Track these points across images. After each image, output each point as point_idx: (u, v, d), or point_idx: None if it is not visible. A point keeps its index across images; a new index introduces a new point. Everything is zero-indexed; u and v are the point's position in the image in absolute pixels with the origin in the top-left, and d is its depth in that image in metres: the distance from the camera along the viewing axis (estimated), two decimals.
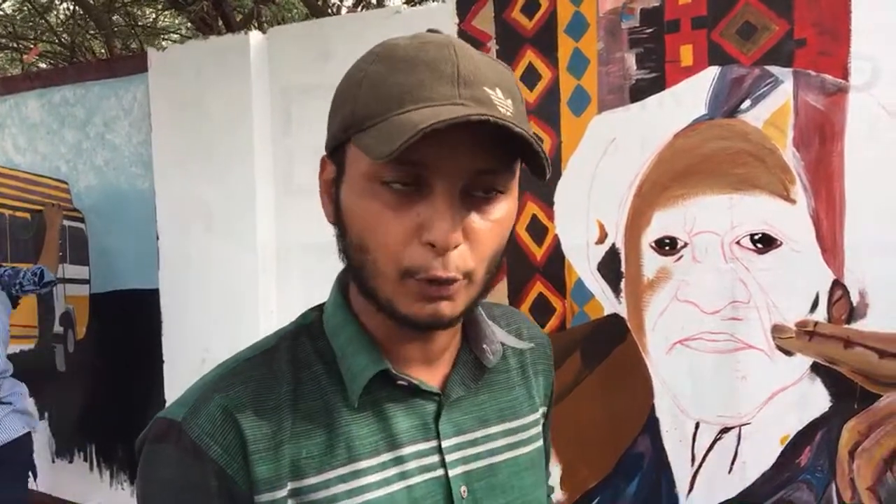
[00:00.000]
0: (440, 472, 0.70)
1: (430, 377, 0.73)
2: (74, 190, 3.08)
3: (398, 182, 0.61)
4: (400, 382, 0.70)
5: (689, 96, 1.65)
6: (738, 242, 1.63)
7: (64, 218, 3.13)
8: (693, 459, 1.74)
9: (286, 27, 2.38)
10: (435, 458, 0.70)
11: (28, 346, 3.38)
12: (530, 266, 1.89)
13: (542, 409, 0.84)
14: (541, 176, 0.64)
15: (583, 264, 1.83)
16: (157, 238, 2.64)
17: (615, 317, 1.80)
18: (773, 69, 1.56)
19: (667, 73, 1.67)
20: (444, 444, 0.71)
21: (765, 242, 1.60)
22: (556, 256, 1.86)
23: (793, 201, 1.57)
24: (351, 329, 0.70)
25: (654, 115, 1.70)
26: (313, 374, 0.70)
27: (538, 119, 1.84)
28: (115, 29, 3.98)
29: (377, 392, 0.69)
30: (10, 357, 3.36)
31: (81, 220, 3.11)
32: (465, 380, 0.74)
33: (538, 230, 1.87)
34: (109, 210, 2.98)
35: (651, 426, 1.78)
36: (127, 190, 2.89)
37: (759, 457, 1.66)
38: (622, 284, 1.79)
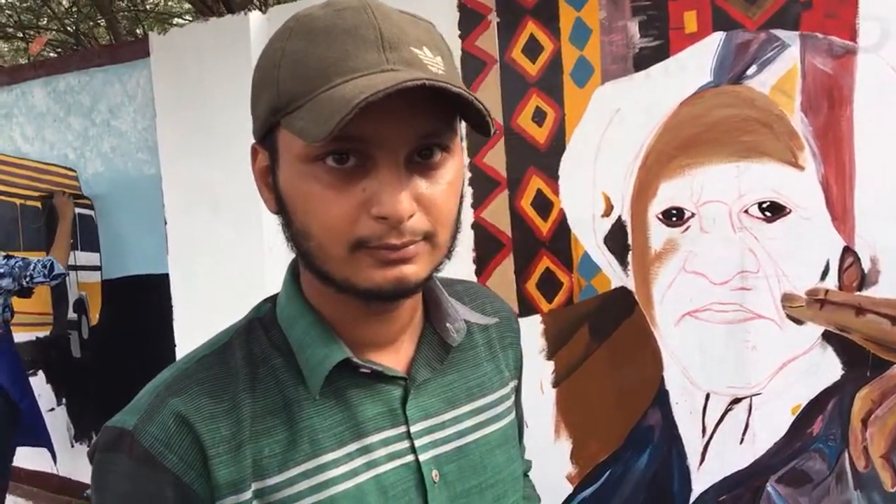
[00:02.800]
0: (410, 457, 0.68)
1: (394, 361, 0.70)
2: (83, 177, 3.10)
3: (338, 160, 0.59)
4: (363, 370, 0.67)
5: (694, 63, 1.62)
6: (746, 211, 1.60)
7: (74, 206, 3.15)
8: (704, 431, 1.73)
9: (286, 6, 2.37)
10: (404, 444, 0.68)
11: (43, 333, 3.42)
12: (536, 241, 1.88)
13: (512, 383, 0.82)
14: (485, 132, 0.61)
15: (589, 238, 1.81)
16: (165, 223, 2.65)
17: (623, 290, 1.79)
18: (779, 33, 1.52)
19: (671, 41, 1.64)
20: (413, 428, 0.69)
21: (773, 210, 1.58)
22: (562, 230, 1.84)
23: (801, 168, 1.54)
24: (307, 319, 0.68)
25: (658, 84, 1.67)
26: (271, 369, 0.67)
27: (541, 91, 1.82)
28: (120, 14, 3.97)
29: (339, 381, 0.67)
30: (29, 344, 3.40)
31: (91, 206, 3.12)
32: (430, 361, 0.72)
33: (543, 204, 1.86)
34: (118, 196, 2.99)
35: (661, 399, 1.77)
36: (134, 176, 2.89)
37: (771, 427, 1.64)
38: (629, 257, 1.77)
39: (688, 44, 1.62)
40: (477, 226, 1.95)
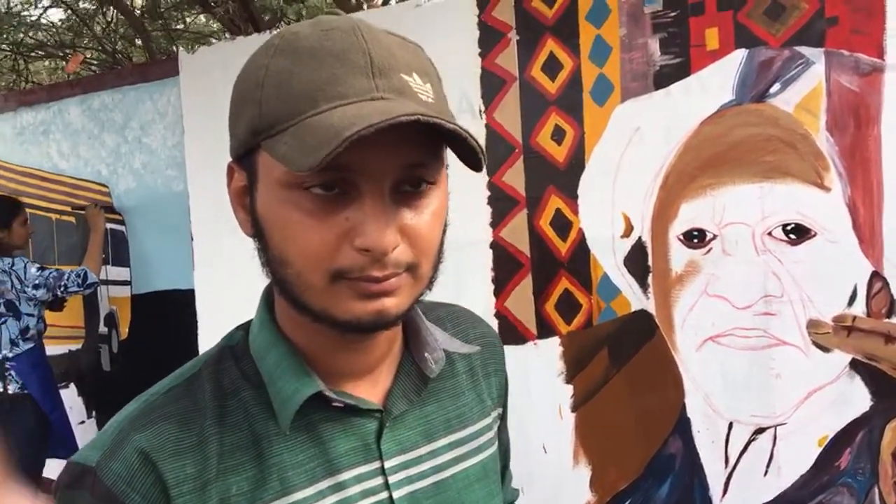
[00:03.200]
0: (384, 494, 0.65)
1: (371, 392, 0.68)
2: (115, 193, 3.15)
3: (321, 188, 0.56)
4: (336, 404, 0.64)
5: (716, 81, 1.58)
6: (769, 233, 1.55)
7: (106, 220, 3.20)
8: (727, 461, 1.66)
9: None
10: (378, 481, 0.66)
11: (76, 346, 3.47)
12: (555, 261, 1.84)
13: (495, 412, 0.79)
14: (475, 167, 0.58)
15: (609, 259, 1.77)
16: (192, 239, 2.67)
17: (643, 313, 1.74)
18: (804, 50, 1.48)
19: (692, 58, 1.61)
20: (387, 464, 0.66)
21: (798, 233, 1.52)
22: (582, 251, 1.80)
23: (827, 189, 1.48)
24: (279, 350, 0.65)
25: (679, 102, 1.63)
26: (240, 402, 0.64)
27: (560, 109, 1.79)
28: (156, 34, 4.07)
29: (311, 414, 0.64)
30: (61, 357, 3.46)
31: (122, 222, 3.17)
32: (407, 393, 0.69)
33: (562, 224, 1.82)
34: (147, 212, 3.04)
35: (682, 426, 1.71)
36: (163, 192, 2.94)
37: (797, 459, 1.57)
38: (650, 279, 1.72)
39: (709, 61, 1.58)
40: (495, 245, 1.93)
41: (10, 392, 2.90)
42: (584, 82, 1.75)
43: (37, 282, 2.84)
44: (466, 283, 1.98)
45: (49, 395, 2.99)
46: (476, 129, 1.90)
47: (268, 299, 0.69)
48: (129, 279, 3.21)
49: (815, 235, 1.50)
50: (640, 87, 1.68)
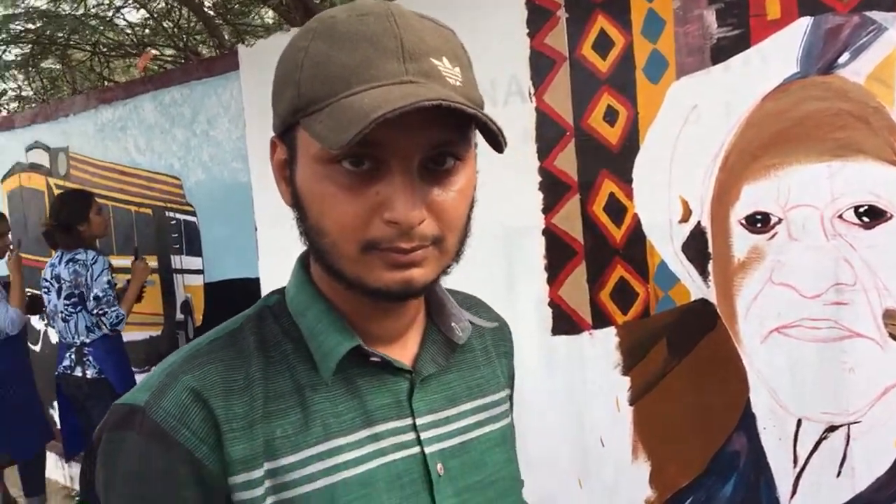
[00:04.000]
0: (416, 449, 0.69)
1: (400, 355, 0.71)
2: (186, 185, 3.24)
3: (353, 164, 0.60)
4: (373, 359, 0.68)
5: (779, 53, 1.46)
6: (840, 216, 1.43)
7: (178, 212, 3.31)
8: (795, 461, 1.56)
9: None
10: (411, 436, 0.69)
11: (155, 332, 3.62)
12: (609, 248, 1.76)
13: (506, 391, 0.82)
14: (496, 148, 0.61)
15: (666, 245, 1.68)
16: (255, 229, 2.72)
17: (703, 302, 1.64)
18: (875, 15, 1.34)
19: (752, 29, 1.49)
20: (419, 421, 0.70)
21: (872, 215, 1.39)
22: (637, 237, 1.72)
23: None
24: (318, 307, 0.69)
25: (739, 77, 1.52)
26: (282, 354, 0.68)
27: (612, 89, 1.70)
28: (225, 29, 4.17)
29: (349, 369, 0.68)
30: (142, 343, 3.62)
31: (194, 213, 3.27)
32: (435, 357, 0.73)
33: (616, 210, 1.74)
34: (216, 203, 3.11)
35: (747, 423, 1.61)
36: (230, 183, 3.00)
37: (872, 459, 1.45)
38: (710, 266, 1.62)
39: (771, 32, 1.46)
40: (548, 232, 1.86)
41: (88, 376, 3.05)
42: (636, 59, 1.66)
43: (97, 292, 2.97)
44: (518, 271, 1.92)
45: (125, 380, 3.13)
46: (526, 112, 1.83)
47: (304, 264, 0.73)
48: (201, 268, 3.31)
49: (890, 218, 1.37)
50: (696, 63, 1.57)
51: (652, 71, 1.64)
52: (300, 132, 0.62)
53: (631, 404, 1.79)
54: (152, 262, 3.51)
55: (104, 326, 2.98)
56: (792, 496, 1.57)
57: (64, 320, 3.06)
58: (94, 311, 2.97)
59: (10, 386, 3.35)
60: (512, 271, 1.94)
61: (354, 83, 0.58)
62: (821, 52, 1.41)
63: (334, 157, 0.59)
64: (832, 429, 1.50)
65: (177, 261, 3.42)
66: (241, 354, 0.67)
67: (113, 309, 3.00)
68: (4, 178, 4.44)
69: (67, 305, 3.04)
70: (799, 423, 1.55)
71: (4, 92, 5.35)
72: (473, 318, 0.78)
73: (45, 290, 3.12)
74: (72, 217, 3.03)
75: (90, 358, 3.05)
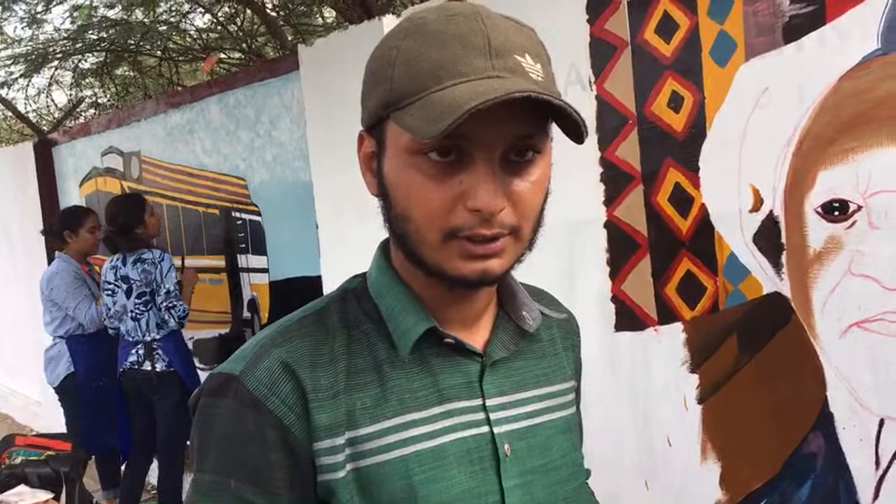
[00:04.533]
0: (485, 428, 0.72)
1: (472, 339, 0.75)
2: (251, 185, 3.31)
3: (440, 154, 0.64)
4: (447, 340, 0.72)
5: (857, 30, 1.37)
6: None
7: (244, 212, 3.38)
8: (877, 463, 1.46)
9: (420, 7, 2.35)
10: (480, 416, 0.72)
11: (224, 330, 3.70)
12: (675, 240, 1.70)
13: (572, 382, 0.84)
14: (577, 139, 0.65)
15: (736, 236, 1.61)
16: (317, 227, 2.74)
17: (776, 296, 1.56)
18: None
19: (827, 5, 1.40)
20: (489, 402, 0.73)
21: None
22: (705, 228, 1.65)
23: None
24: (397, 290, 0.73)
25: (813, 57, 1.43)
26: (363, 332, 0.73)
27: (677, 73, 1.64)
28: (284, 27, 4.23)
29: (424, 349, 0.72)
30: (211, 340, 3.72)
31: (258, 213, 3.32)
32: (505, 343, 0.76)
33: (682, 200, 1.67)
34: (280, 203, 3.16)
35: (824, 422, 1.53)
36: (292, 183, 3.04)
37: None
38: (783, 258, 1.54)
39: (848, 7, 1.38)
40: (610, 224, 1.81)
41: (158, 370, 3.15)
42: (702, 42, 1.59)
43: (169, 287, 3.09)
44: (580, 265, 1.87)
45: (191, 373, 3.25)
46: (586, 101, 1.78)
47: (384, 251, 0.77)
48: (266, 267, 3.37)
49: None
50: (766, 43, 1.50)
51: (719, 53, 1.57)
52: (390, 125, 0.67)
53: (699, 403, 1.72)
54: (220, 262, 3.60)
55: (172, 319, 3.09)
56: (874, 500, 1.47)
57: (135, 319, 3.17)
58: (165, 305, 3.08)
59: (101, 380, 3.49)
60: (573, 266, 1.89)
61: (445, 78, 0.63)
62: None
63: (422, 148, 0.64)
64: None
65: (243, 260, 3.49)
66: (327, 331, 0.72)
67: (181, 302, 3.11)
68: (82, 182, 4.63)
69: (139, 304, 3.15)
70: (881, 423, 1.45)
71: (82, 100, 5.58)
72: (543, 308, 0.81)
73: (110, 292, 3.22)
74: (129, 220, 3.16)
75: (160, 352, 3.16)
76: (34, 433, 3.91)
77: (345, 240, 2.60)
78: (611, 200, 1.79)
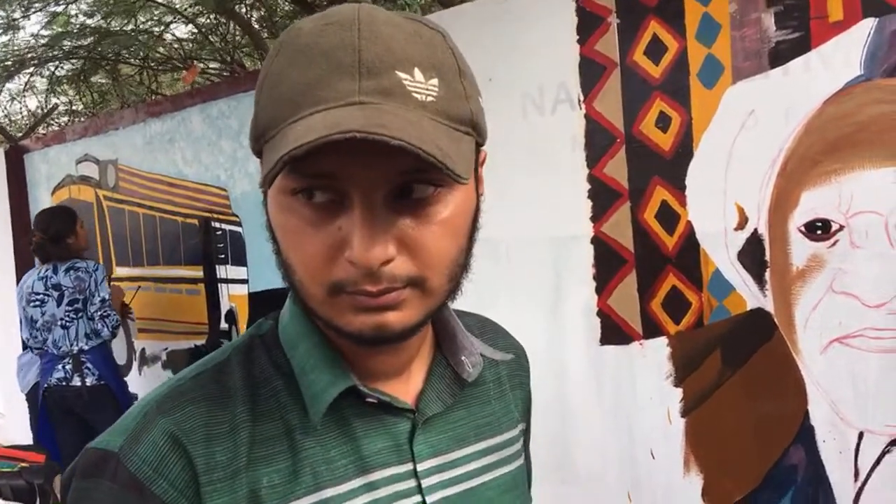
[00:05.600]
0: (416, 498, 0.63)
1: (402, 392, 0.65)
2: (232, 196, 3.30)
3: (307, 196, 0.54)
4: (370, 399, 0.62)
5: (841, 56, 1.43)
6: None
7: (224, 223, 3.37)
8: (857, 475, 1.50)
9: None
10: (411, 483, 0.63)
11: (200, 341, 3.66)
12: (661, 257, 1.74)
13: (520, 426, 0.75)
14: (454, 181, 0.52)
15: (721, 253, 1.65)
16: None
17: (760, 311, 1.60)
18: None
19: (812, 31, 1.46)
20: (420, 467, 0.63)
21: None
22: (690, 245, 1.69)
23: None
24: (310, 340, 0.62)
25: (798, 81, 1.49)
26: (272, 391, 0.61)
27: (665, 94, 1.69)
28: (270, 40, 4.24)
29: (343, 409, 0.61)
30: (186, 352, 3.67)
31: (239, 224, 3.31)
32: (441, 395, 0.66)
33: (669, 217, 1.71)
34: (261, 214, 3.14)
35: (805, 436, 1.57)
36: None
37: None
38: (767, 275, 1.59)
39: (833, 34, 1.44)
40: (597, 241, 1.84)
41: (88, 384, 3.10)
42: (690, 64, 1.64)
43: (104, 295, 3.09)
44: (566, 280, 1.90)
45: (122, 386, 3.23)
46: (575, 119, 1.82)
47: None
48: (246, 278, 3.35)
49: None
50: (753, 67, 1.55)
51: (707, 76, 1.62)
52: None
53: (683, 416, 1.75)
54: (197, 272, 3.56)
55: (106, 328, 3.08)
56: None
57: (64, 327, 3.13)
58: (100, 313, 3.07)
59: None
60: (560, 281, 1.92)
61: (303, 106, 0.52)
62: (886, 54, 1.37)
63: (292, 188, 0.54)
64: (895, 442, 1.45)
65: (222, 271, 3.47)
66: (227, 392, 0.60)
67: (114, 312, 3.13)
68: (55, 190, 4.56)
69: (69, 312, 3.12)
70: (861, 435, 1.50)
71: (56, 106, 5.51)
72: (487, 349, 0.72)
73: (38, 303, 3.18)
74: (61, 229, 3.18)
75: (89, 365, 3.11)
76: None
77: None
78: (598, 217, 1.83)
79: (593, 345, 1.88)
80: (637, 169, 1.75)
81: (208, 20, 4.26)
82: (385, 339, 0.56)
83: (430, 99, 0.53)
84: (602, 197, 1.81)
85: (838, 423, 1.52)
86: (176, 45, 4.56)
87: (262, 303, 3.24)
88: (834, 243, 1.48)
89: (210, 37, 4.30)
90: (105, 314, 3.09)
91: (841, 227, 1.47)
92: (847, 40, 1.42)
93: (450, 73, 0.55)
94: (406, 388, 0.65)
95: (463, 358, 0.67)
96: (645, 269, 1.77)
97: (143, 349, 3.81)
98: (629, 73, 1.74)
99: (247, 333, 0.67)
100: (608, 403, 1.87)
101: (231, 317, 3.49)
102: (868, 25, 1.39)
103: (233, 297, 3.44)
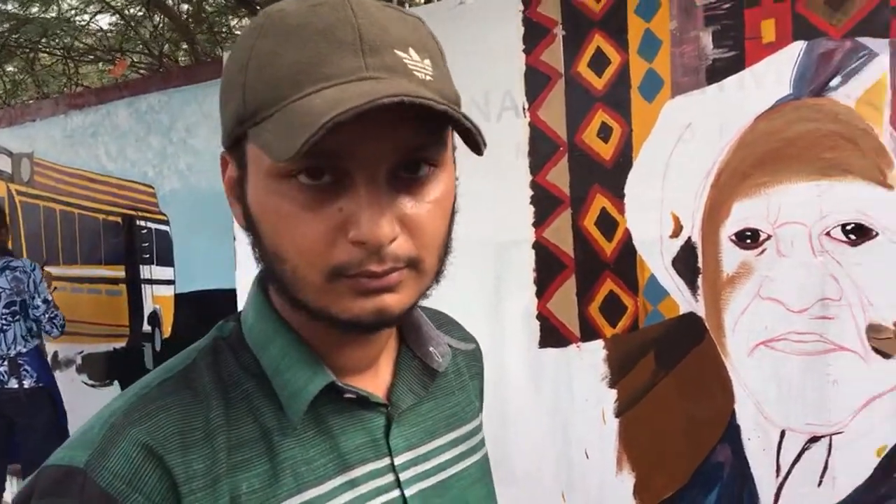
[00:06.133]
0: (395, 492, 0.63)
1: (374, 386, 0.65)
2: (160, 193, 3.20)
3: (311, 176, 0.52)
4: (348, 395, 0.61)
5: (772, 75, 1.52)
6: (828, 234, 1.48)
7: (151, 221, 3.26)
8: (778, 471, 1.59)
9: None
10: (389, 478, 0.63)
11: (120, 344, 3.53)
12: (599, 262, 1.80)
13: (480, 415, 0.77)
14: (475, 149, 0.54)
15: (656, 260, 1.72)
16: (234, 239, 2.69)
17: (692, 316, 1.68)
18: (867, 41, 1.41)
19: (746, 51, 1.55)
20: (397, 461, 0.64)
21: (858, 233, 1.45)
22: (628, 252, 1.76)
23: (890, 187, 1.41)
24: (283, 339, 0.61)
25: (732, 98, 1.58)
26: (243, 394, 0.59)
27: (607, 106, 1.75)
28: (201, 37, 4.15)
29: (320, 408, 0.60)
30: (104, 356, 3.53)
31: (167, 222, 3.22)
32: (412, 387, 0.66)
33: (608, 224, 1.78)
34: (192, 213, 3.07)
35: (731, 434, 1.65)
36: (207, 193, 2.97)
37: (853, 469, 1.50)
38: (699, 281, 1.67)
39: (765, 54, 1.53)
40: (538, 245, 1.89)
41: (26, 387, 2.98)
42: (632, 78, 1.71)
43: (46, 296, 3.00)
44: (507, 284, 1.94)
45: (57, 389, 3.11)
46: (519, 127, 1.87)
47: (263, 286, 0.64)
48: (172, 278, 3.25)
49: (876, 235, 1.44)
50: (691, 82, 1.63)
51: (647, 89, 1.69)
52: (249, 145, 0.55)
53: (617, 416, 1.81)
54: (118, 272, 3.44)
55: (56, 329, 2.98)
56: None
57: (1, 331, 2.98)
58: (48, 315, 2.96)
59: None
60: (501, 284, 1.96)
61: (305, 84, 0.51)
62: (813, 75, 1.48)
63: (288, 170, 0.52)
64: (815, 439, 1.55)
65: (146, 270, 3.35)
66: (198, 397, 0.58)
67: (60, 311, 3.03)
68: None
69: (6, 314, 2.98)
70: (783, 433, 1.59)
71: None
72: (451, 340, 0.72)
73: None
74: None
75: (27, 368, 2.99)
76: None
77: None
78: (540, 222, 1.88)
79: (532, 347, 1.92)
80: (578, 177, 1.81)
81: (136, 11, 4.13)
82: (384, 324, 0.56)
83: (428, 78, 0.54)
84: (544, 203, 1.86)
85: (762, 422, 1.61)
86: (100, 36, 4.39)
87: (190, 305, 3.16)
88: (762, 252, 1.57)
89: (136, 29, 4.17)
90: (52, 315, 3.00)
91: (768, 237, 1.56)
92: (778, 61, 1.51)
93: (437, 56, 0.57)
94: (376, 382, 0.65)
95: (431, 348, 0.67)
96: (584, 274, 1.83)
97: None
98: (573, 83, 1.80)
99: (209, 337, 0.65)
100: (546, 405, 1.92)
101: (155, 319, 3.38)
102: (798, 48, 1.49)
103: (157, 298, 3.33)
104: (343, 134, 0.49)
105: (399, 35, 0.54)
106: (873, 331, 1.46)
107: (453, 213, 0.60)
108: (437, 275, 0.59)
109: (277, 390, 0.60)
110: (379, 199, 0.52)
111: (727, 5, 1.56)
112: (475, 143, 0.53)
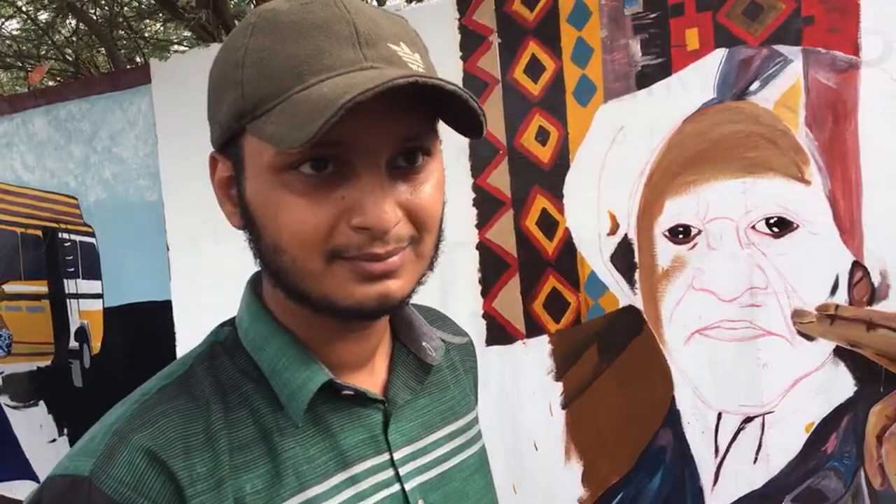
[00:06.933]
0: (396, 487, 0.65)
1: (370, 383, 0.66)
2: (84, 204, 3.09)
3: (316, 167, 0.54)
4: (346, 392, 0.63)
5: (697, 80, 1.62)
6: (753, 227, 1.59)
7: (75, 233, 3.15)
8: (716, 451, 1.70)
9: None
10: (389, 473, 0.65)
11: (44, 363, 3.39)
12: (542, 261, 1.87)
13: (476, 408, 0.81)
14: (475, 133, 0.58)
15: (595, 257, 1.80)
16: (168, 249, 2.64)
17: (631, 309, 1.77)
18: (782, 48, 1.52)
19: (673, 58, 1.64)
20: (396, 456, 0.65)
21: (781, 226, 1.57)
22: (568, 250, 1.83)
23: (808, 182, 1.53)
24: (280, 339, 0.62)
25: (661, 102, 1.67)
26: (242, 396, 0.61)
27: (543, 111, 1.82)
28: (120, 42, 4.01)
29: (318, 406, 0.62)
30: (28, 375, 3.39)
31: (92, 234, 3.11)
32: (408, 382, 0.68)
33: (548, 224, 1.85)
34: (119, 223, 2.98)
35: (672, 419, 1.75)
36: (136, 202, 2.89)
37: (785, 445, 1.62)
38: (636, 275, 1.75)
39: (690, 61, 1.62)
40: (482, 246, 1.94)
41: None
42: (566, 84, 1.78)
43: None
44: (453, 284, 1.99)
45: None
46: None
47: (255, 289, 0.66)
48: (100, 292, 3.15)
49: (797, 228, 1.55)
50: (622, 88, 1.71)
51: (581, 94, 1.76)
52: (247, 140, 0.56)
53: (563, 408, 1.89)
54: (41, 287, 3.30)
55: (1, 349, 2.84)
56: (714, 484, 1.71)
57: None
58: None
59: None
60: (446, 286, 2.00)
61: (308, 75, 0.52)
62: (735, 80, 1.58)
63: (291, 162, 0.54)
64: (749, 420, 1.66)
65: (71, 285, 3.24)
66: (198, 402, 0.59)
67: (5, 329, 2.88)
68: None
69: None
70: (719, 416, 1.69)
71: None
72: (444, 335, 0.74)
73: None
74: None
75: None
76: None
77: (200, 262, 2.53)
78: (483, 224, 1.93)
79: (479, 346, 1.97)
80: (519, 179, 1.87)
81: (48, 16, 3.95)
82: (386, 310, 0.58)
83: (420, 69, 0.56)
84: (486, 205, 1.91)
85: (700, 406, 1.71)
86: (9, 42, 4.18)
87: (121, 318, 3.07)
88: (693, 246, 1.67)
89: (49, 34, 3.99)
90: None
91: (699, 232, 1.66)
92: (702, 67, 1.61)
93: (423, 52, 0.60)
94: (372, 378, 0.67)
95: (424, 343, 0.69)
96: (527, 272, 1.89)
97: None
98: (510, 89, 1.85)
99: (205, 342, 0.66)
100: (494, 401, 1.97)
101: (83, 334, 3.26)
102: (720, 55, 1.59)
103: (85, 313, 3.22)
104: (347, 123, 0.50)
105: (390, 30, 0.56)
106: (798, 316, 1.57)
107: (444, 201, 0.63)
108: (432, 261, 0.62)
109: (277, 390, 0.61)
110: (381, 186, 0.55)
111: (653, 15, 1.65)
112: (477, 125, 0.56)
